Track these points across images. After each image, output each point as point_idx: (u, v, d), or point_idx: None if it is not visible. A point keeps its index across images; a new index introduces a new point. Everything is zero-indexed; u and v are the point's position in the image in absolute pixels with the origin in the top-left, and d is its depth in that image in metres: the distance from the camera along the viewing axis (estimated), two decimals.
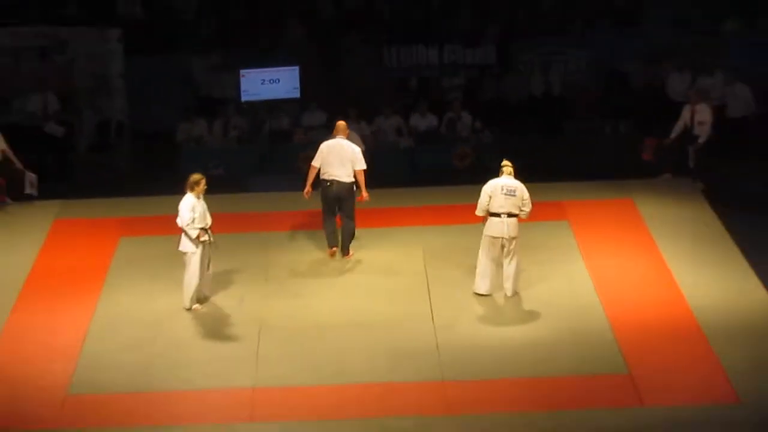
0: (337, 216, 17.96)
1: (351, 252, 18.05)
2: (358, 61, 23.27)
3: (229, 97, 22.58)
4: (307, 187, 17.86)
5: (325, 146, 17.72)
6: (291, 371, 15.16)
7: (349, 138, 18.05)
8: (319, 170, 17.71)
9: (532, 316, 16.33)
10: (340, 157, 17.64)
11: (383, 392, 14.70)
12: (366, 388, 14.79)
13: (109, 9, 23.51)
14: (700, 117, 20.40)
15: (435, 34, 23.88)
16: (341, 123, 17.96)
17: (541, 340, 15.73)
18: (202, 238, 16.11)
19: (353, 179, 17.66)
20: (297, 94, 22.23)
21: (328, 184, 17.63)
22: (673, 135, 20.50)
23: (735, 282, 17.01)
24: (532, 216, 16.91)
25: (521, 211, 16.22)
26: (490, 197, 16.19)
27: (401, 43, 23.62)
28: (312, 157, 17.92)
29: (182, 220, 16.07)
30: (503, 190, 16.14)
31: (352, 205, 17.79)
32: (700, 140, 20.32)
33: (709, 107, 20.66)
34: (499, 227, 16.20)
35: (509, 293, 16.58)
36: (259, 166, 21.47)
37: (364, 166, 17.73)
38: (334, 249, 18.08)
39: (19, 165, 19.84)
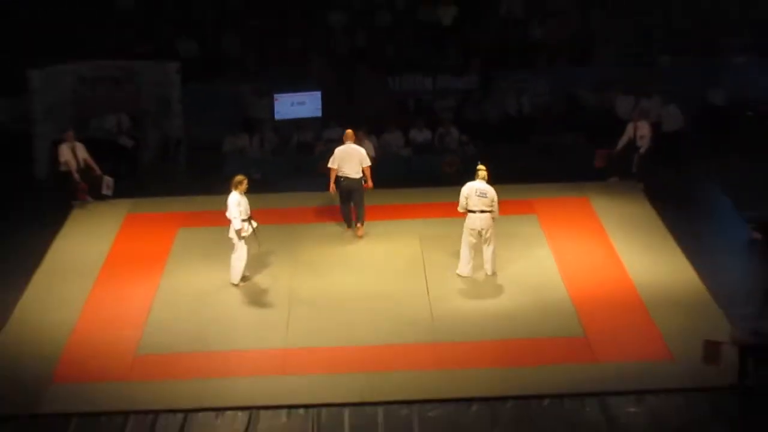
0: (351, 207, 18.25)
1: (361, 228, 18.30)
2: (367, 88, 23.24)
3: (265, 116, 22.55)
4: (331, 185, 18.11)
5: (339, 151, 18.03)
6: (314, 335, 15.22)
7: (363, 146, 18.55)
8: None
9: (507, 290, 16.34)
10: (351, 159, 17.99)
11: (388, 351, 14.78)
12: (374, 348, 14.85)
13: (170, 46, 23.51)
14: (641, 132, 20.36)
15: (429, 66, 23.86)
16: (349, 131, 18.23)
17: (514, 310, 15.77)
18: (243, 233, 16.15)
19: (361, 175, 17.98)
20: (319, 114, 22.24)
21: (342, 179, 17.97)
22: (619, 146, 20.45)
23: (669, 263, 17.05)
24: (508, 210, 17.06)
25: (492, 210, 16.26)
26: (467, 198, 16.28)
27: (402, 73, 23.61)
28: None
29: (230, 213, 16.11)
30: (477, 192, 16.23)
31: (361, 195, 18.11)
32: (641, 150, 20.28)
33: (648, 124, 20.62)
34: (474, 221, 16.29)
35: (489, 272, 16.62)
36: (289, 171, 21.42)
37: (369, 163, 18.07)
38: (350, 228, 18.39)
39: (97, 171, 19.83)
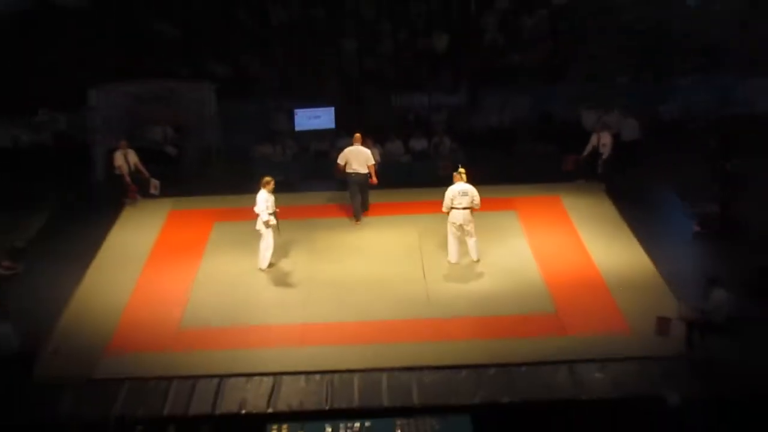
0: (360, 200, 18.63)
1: (366, 212, 18.78)
2: (374, 104, 23.16)
3: (286, 128, 22.48)
4: (342, 173, 18.49)
5: (348, 151, 18.48)
6: (329, 312, 15.26)
7: (371, 151, 18.73)
8: (345, 165, 18.38)
9: (490, 275, 16.33)
10: (358, 158, 18.32)
11: (391, 326, 14.81)
12: (379, 323, 14.89)
13: (207, 69, 23.46)
14: (603, 141, 20.29)
15: (426, 86, 23.77)
16: (357, 135, 18.59)
17: (497, 291, 15.79)
18: (270, 223, 16.14)
19: (367, 171, 18.26)
20: (333, 126, 22.11)
21: (353, 175, 18.28)
22: (585, 153, 20.38)
23: (627, 251, 17.04)
24: (490, 207, 17.17)
25: (474, 204, 16.30)
26: (452, 199, 16.35)
27: (403, 92, 23.52)
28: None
29: (259, 207, 16.14)
30: (460, 193, 16.33)
31: (367, 187, 18.48)
32: (604, 156, 20.21)
33: (609, 134, 20.54)
34: (456, 216, 16.35)
35: (474, 259, 16.61)
36: (307, 174, 21.38)
37: (373, 162, 18.44)
38: (359, 222, 18.56)
39: (146, 174, 19.86)
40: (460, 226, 16.40)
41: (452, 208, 16.36)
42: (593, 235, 17.63)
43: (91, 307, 15.49)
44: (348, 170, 18.30)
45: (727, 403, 12.67)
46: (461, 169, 16.55)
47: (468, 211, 16.32)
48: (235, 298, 15.70)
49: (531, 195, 19.68)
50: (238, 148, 22.10)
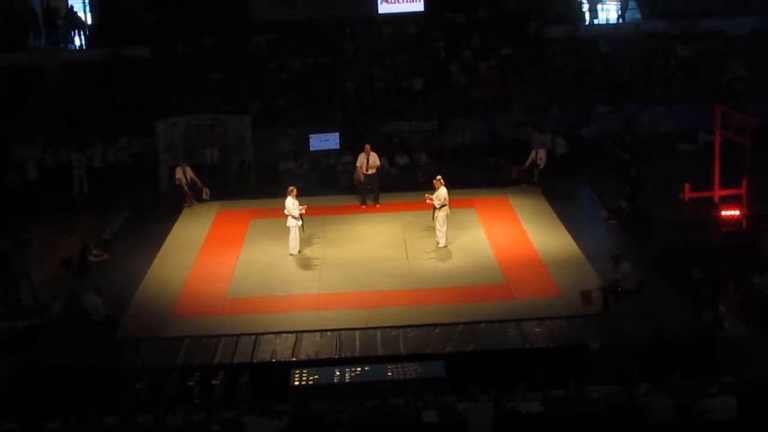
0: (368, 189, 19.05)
1: (378, 205, 19.05)
2: (368, 129, 23.03)
3: (303, 148, 22.35)
4: (361, 175, 19.06)
5: (362, 156, 19.00)
6: (337, 285, 15.21)
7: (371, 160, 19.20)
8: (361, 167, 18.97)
9: (457, 256, 16.29)
10: (369, 162, 18.81)
11: (383, 295, 14.78)
12: (374, 293, 14.84)
13: (243, 105, 23.36)
14: (540, 155, 20.29)
15: (407, 116, 23.66)
16: (368, 146, 19.04)
17: (461, 268, 15.77)
18: (296, 221, 16.14)
19: (375, 171, 18.95)
20: (338, 147, 21.98)
21: (364, 174, 18.91)
22: (527, 164, 20.37)
23: (557, 237, 17.01)
24: (455, 205, 17.01)
25: (441, 204, 16.28)
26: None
27: (391, 121, 23.42)
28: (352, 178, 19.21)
29: (287, 209, 16.11)
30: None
31: (376, 183, 19.13)
32: (541, 167, 20.20)
33: (545, 150, 20.57)
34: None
35: (441, 245, 16.50)
36: (319, 183, 21.28)
37: (378, 164, 18.99)
38: (364, 206, 19.00)
39: (200, 184, 19.78)
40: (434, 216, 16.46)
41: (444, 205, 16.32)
42: (533, 226, 17.61)
43: (159, 283, 15.46)
44: (361, 170, 18.90)
45: (633, 348, 12.73)
46: (438, 177, 16.48)
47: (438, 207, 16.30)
48: (266, 275, 15.64)
49: (486, 196, 19.60)
50: (268, 163, 22.03)
